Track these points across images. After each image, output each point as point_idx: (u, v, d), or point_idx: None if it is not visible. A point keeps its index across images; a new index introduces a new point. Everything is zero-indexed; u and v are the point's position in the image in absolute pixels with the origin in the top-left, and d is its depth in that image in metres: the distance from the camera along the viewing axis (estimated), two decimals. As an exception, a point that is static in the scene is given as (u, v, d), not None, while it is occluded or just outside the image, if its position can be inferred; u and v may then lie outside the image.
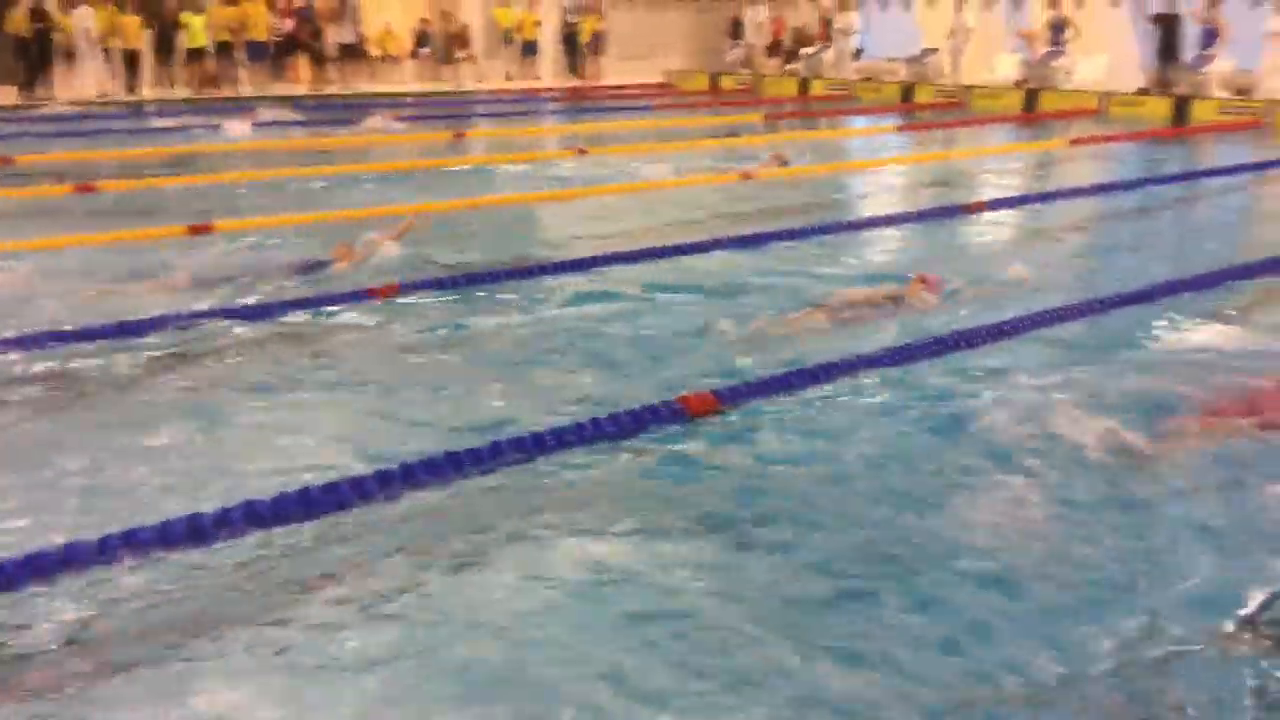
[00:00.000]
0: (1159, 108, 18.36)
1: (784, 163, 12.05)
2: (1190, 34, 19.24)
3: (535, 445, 4.31)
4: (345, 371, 5.43)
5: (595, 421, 4.51)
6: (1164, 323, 6.17)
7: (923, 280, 6.56)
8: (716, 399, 4.77)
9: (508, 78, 25.75)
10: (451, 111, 19.45)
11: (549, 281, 7.06)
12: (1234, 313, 6.45)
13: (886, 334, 5.88)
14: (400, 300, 6.52)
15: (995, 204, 10.05)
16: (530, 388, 5.21)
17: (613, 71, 27.34)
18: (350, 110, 18.29)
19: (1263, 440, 4.28)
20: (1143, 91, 19.74)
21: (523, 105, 21.11)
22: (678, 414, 4.63)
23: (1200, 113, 17.73)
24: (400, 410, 4.92)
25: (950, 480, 4.17)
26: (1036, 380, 5.14)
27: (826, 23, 25.26)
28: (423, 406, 4.98)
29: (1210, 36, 19.01)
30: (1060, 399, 4.79)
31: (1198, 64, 18.91)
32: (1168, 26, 19.92)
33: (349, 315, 6.29)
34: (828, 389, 5.01)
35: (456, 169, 12.81)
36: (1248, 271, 7.25)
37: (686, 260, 7.71)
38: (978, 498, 4.02)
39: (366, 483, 3.93)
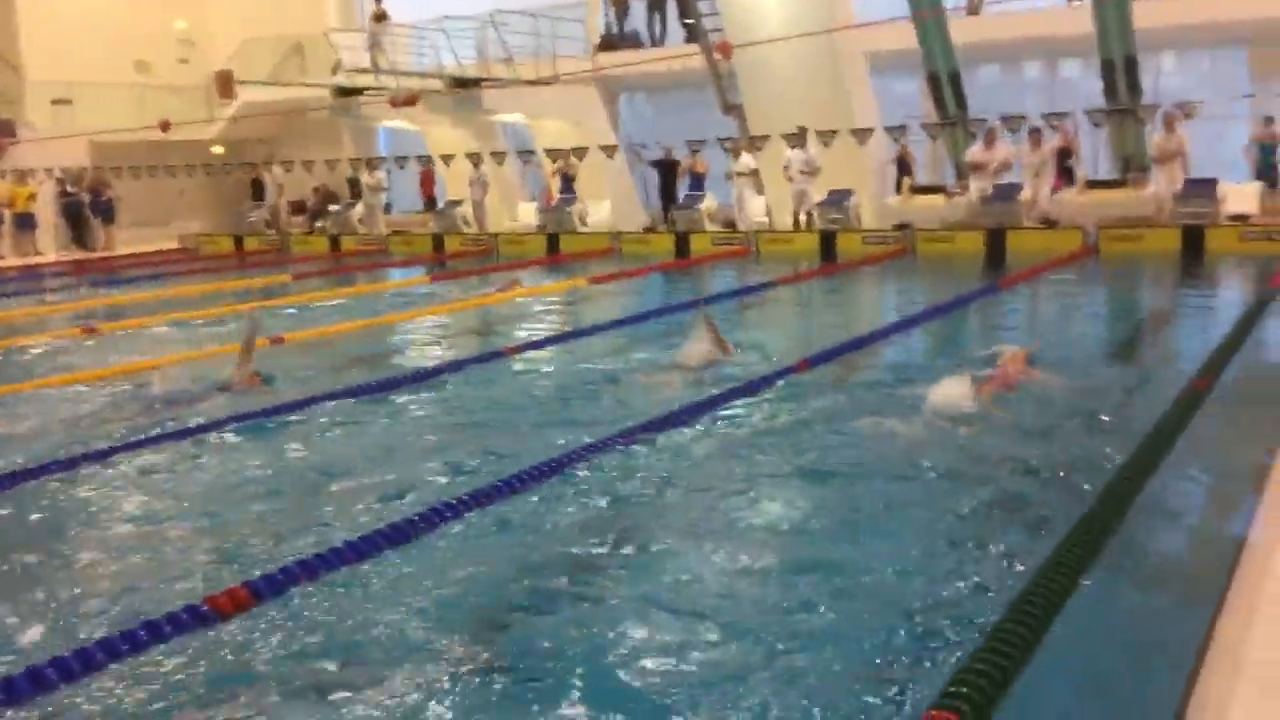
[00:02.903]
0: (664, 243, 20.32)
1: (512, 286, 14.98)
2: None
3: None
4: None
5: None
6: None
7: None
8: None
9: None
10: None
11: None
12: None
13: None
14: None
15: (529, 345, 10.45)
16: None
17: (127, 241, 25.61)
18: None
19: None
20: (649, 230, 21.80)
21: (20, 284, 19.01)
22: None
23: (698, 245, 19.84)
24: None
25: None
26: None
27: (354, 181, 25.54)
28: None
29: (697, 179, 21.54)
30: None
31: (690, 203, 21.27)
32: (666, 171, 22.28)
33: None
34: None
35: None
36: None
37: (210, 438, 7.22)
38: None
39: None
